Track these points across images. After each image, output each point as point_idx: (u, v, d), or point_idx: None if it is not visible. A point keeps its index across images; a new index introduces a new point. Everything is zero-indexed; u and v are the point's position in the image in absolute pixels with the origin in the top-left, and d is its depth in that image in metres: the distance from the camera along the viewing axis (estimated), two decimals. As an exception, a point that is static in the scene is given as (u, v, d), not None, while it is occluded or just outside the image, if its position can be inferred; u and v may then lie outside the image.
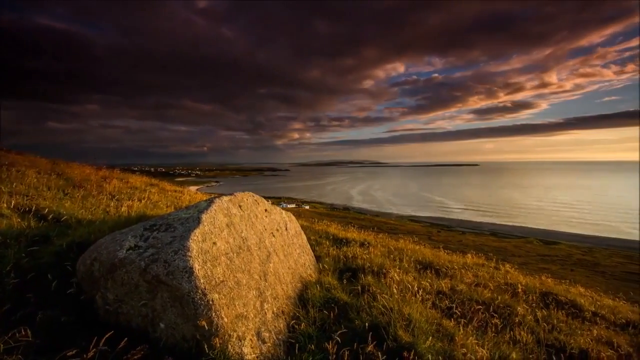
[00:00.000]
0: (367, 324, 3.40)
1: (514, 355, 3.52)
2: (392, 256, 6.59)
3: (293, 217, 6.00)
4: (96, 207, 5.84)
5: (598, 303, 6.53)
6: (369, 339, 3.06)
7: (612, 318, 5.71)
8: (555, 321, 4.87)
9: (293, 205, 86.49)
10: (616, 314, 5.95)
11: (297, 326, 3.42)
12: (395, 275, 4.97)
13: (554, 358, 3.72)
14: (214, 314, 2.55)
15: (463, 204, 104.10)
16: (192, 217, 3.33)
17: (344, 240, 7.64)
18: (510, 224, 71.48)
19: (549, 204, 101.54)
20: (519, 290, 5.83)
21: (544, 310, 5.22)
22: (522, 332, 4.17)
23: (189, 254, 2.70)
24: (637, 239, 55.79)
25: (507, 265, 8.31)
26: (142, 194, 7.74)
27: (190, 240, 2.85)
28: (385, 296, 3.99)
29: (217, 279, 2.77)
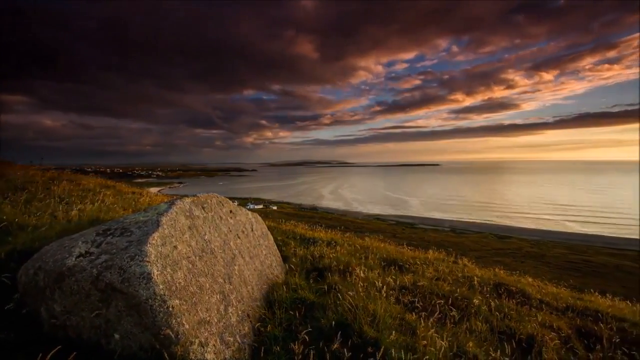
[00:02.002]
0: (333, 322, 3.44)
1: (470, 344, 3.74)
2: (358, 254, 6.73)
3: (259, 218, 5.92)
4: (42, 211, 5.36)
5: (543, 291, 7.15)
6: (335, 336, 3.11)
7: (555, 304, 6.27)
8: (506, 310, 5.24)
9: (260, 206, 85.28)
10: (558, 299, 6.54)
11: (262, 328, 3.38)
12: (361, 272, 5.08)
13: (506, 344, 4.02)
14: (174, 320, 2.44)
15: (423, 202, 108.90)
16: (150, 220, 3.16)
17: (311, 240, 7.68)
18: (468, 220, 75.92)
19: (503, 201, 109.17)
20: (475, 282, 6.22)
21: (497, 300, 5.60)
22: (477, 322, 4.45)
23: (147, 259, 2.57)
24: (576, 231, 61.92)
25: (465, 260, 8.82)
26: (95, 197, 7.22)
27: (148, 245, 2.71)
28: (351, 294, 4.06)
29: (177, 284, 2.66)
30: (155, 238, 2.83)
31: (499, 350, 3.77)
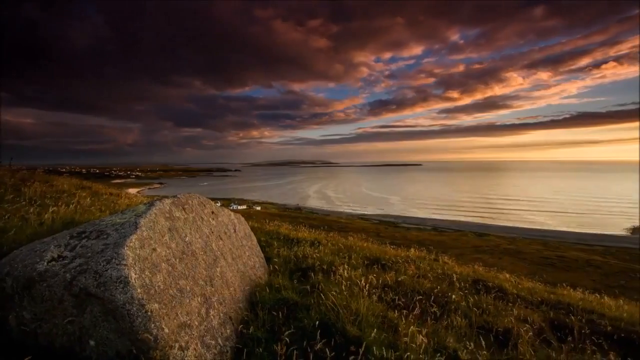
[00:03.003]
0: (316, 321, 3.44)
1: (450, 339, 3.84)
2: (341, 254, 6.77)
3: (242, 219, 5.86)
4: (11, 214, 5.10)
5: (519, 286, 7.41)
6: (318, 336, 3.12)
7: (530, 298, 6.51)
8: (484, 305, 5.41)
9: (244, 207, 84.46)
10: (533, 294, 6.80)
11: (245, 330, 3.35)
12: (344, 272, 5.11)
13: (484, 338, 4.14)
14: (153, 325, 2.38)
15: (406, 201, 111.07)
16: (128, 222, 3.07)
17: (295, 240, 7.67)
18: (449, 218, 77.91)
19: (480, 200, 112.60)
20: (455, 279, 6.38)
21: (475, 296, 5.77)
22: (457, 318, 4.56)
23: (124, 263, 2.49)
24: (551, 228, 64.74)
25: (445, 257, 9.04)
26: (70, 198, 6.93)
27: (126, 248, 2.63)
28: (334, 293, 4.09)
29: (157, 288, 2.60)
30: (133, 240, 2.75)
31: (474, 344, 3.88)
